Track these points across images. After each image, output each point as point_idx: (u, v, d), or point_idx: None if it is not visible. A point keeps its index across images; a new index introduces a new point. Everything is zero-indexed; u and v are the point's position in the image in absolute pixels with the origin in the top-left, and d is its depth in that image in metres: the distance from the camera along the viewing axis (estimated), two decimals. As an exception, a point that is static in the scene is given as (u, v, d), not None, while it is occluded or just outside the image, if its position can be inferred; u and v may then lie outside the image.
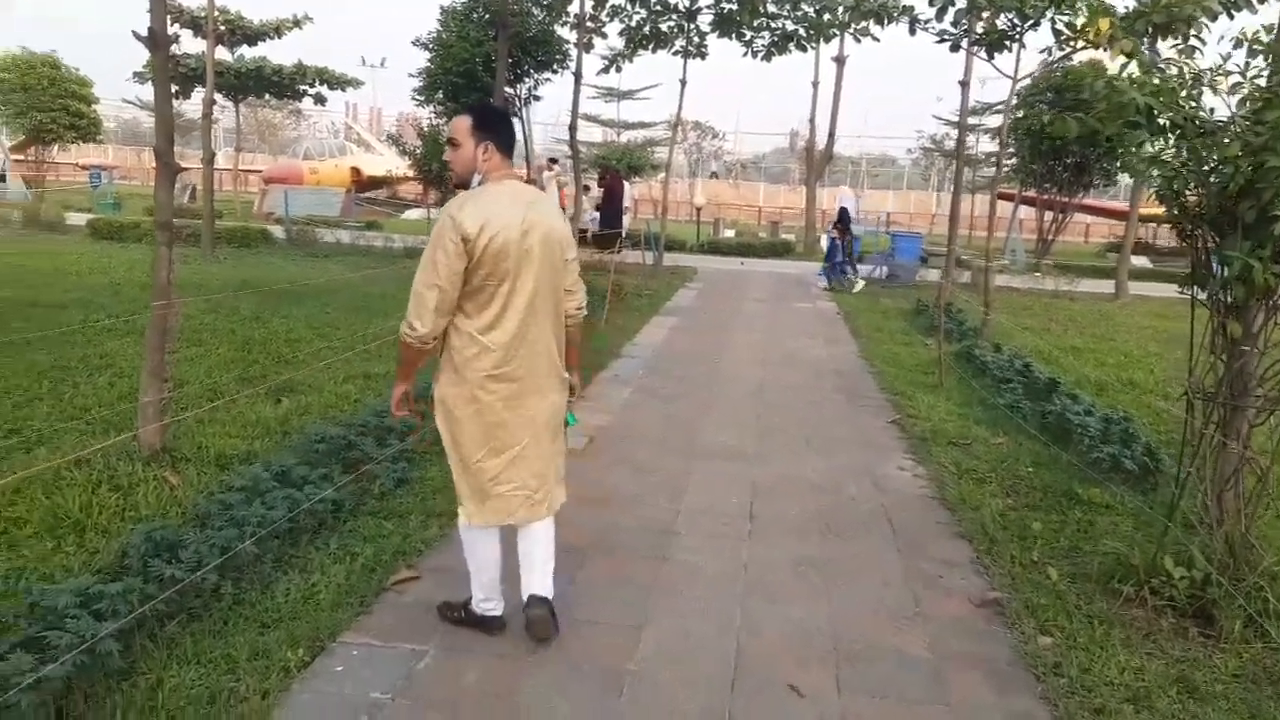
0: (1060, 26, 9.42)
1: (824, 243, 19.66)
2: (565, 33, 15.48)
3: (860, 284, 16.54)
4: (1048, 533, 4.70)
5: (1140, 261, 26.40)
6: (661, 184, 32.37)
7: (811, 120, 23.52)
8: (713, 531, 4.46)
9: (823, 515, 4.76)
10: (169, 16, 5.03)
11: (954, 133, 41.26)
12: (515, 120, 14.98)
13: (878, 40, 16.64)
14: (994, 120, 36.11)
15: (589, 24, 16.38)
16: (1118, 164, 22.29)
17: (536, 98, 15.74)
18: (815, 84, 23.54)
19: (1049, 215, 23.40)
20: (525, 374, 3.10)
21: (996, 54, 10.40)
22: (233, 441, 5.32)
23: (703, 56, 18.52)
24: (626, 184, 21.42)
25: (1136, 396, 8.18)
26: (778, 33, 17.26)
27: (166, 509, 4.34)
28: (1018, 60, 10.05)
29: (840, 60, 22.78)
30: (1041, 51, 10.05)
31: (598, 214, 20.86)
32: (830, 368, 8.99)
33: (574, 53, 15.48)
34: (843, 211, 17.62)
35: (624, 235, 16.67)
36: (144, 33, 4.74)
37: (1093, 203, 27.05)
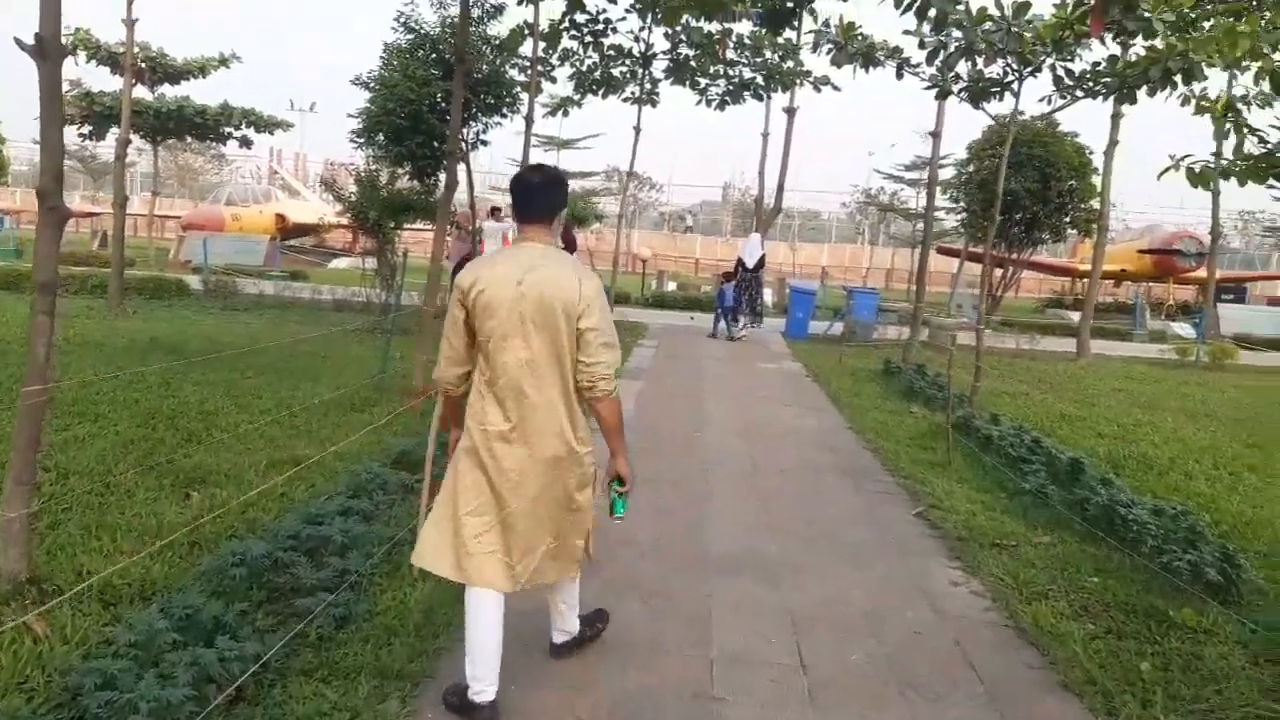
0: (1060, 73, 8.82)
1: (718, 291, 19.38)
2: (515, 74, 14.60)
3: (744, 333, 16.03)
4: (1157, 674, 3.80)
5: (1077, 315, 26.45)
6: (597, 235, 31.60)
7: (760, 172, 22.98)
8: (764, 697, 3.43)
9: (891, 662, 3.78)
10: (80, 49, 3.90)
11: (891, 186, 41.59)
12: (461, 166, 14.01)
13: (838, 89, 16.20)
14: (941, 174, 36.53)
15: (540, 66, 15.58)
16: (1067, 219, 22.24)
17: (484, 142, 14.79)
18: (765, 135, 23.07)
19: (998, 271, 23.15)
20: (521, 439, 3.08)
21: (984, 102, 9.79)
22: (125, 562, 4.14)
23: (654, 104, 17.85)
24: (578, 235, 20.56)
25: (1159, 477, 7.44)
26: (734, 81, 16.70)
27: (26, 673, 3.17)
28: (1016, 107, 9.44)
29: (791, 111, 22.32)
30: (1041, 100, 9.45)
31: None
32: (822, 442, 8.09)
33: (524, 96, 14.60)
34: (740, 260, 16.96)
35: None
36: (30, 41, 3.63)
37: (1039, 259, 27.01)
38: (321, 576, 4.06)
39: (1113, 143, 15.96)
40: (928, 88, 10.09)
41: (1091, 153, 21.47)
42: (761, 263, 17.05)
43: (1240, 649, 4.11)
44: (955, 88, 10.12)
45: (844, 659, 3.77)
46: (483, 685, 3.12)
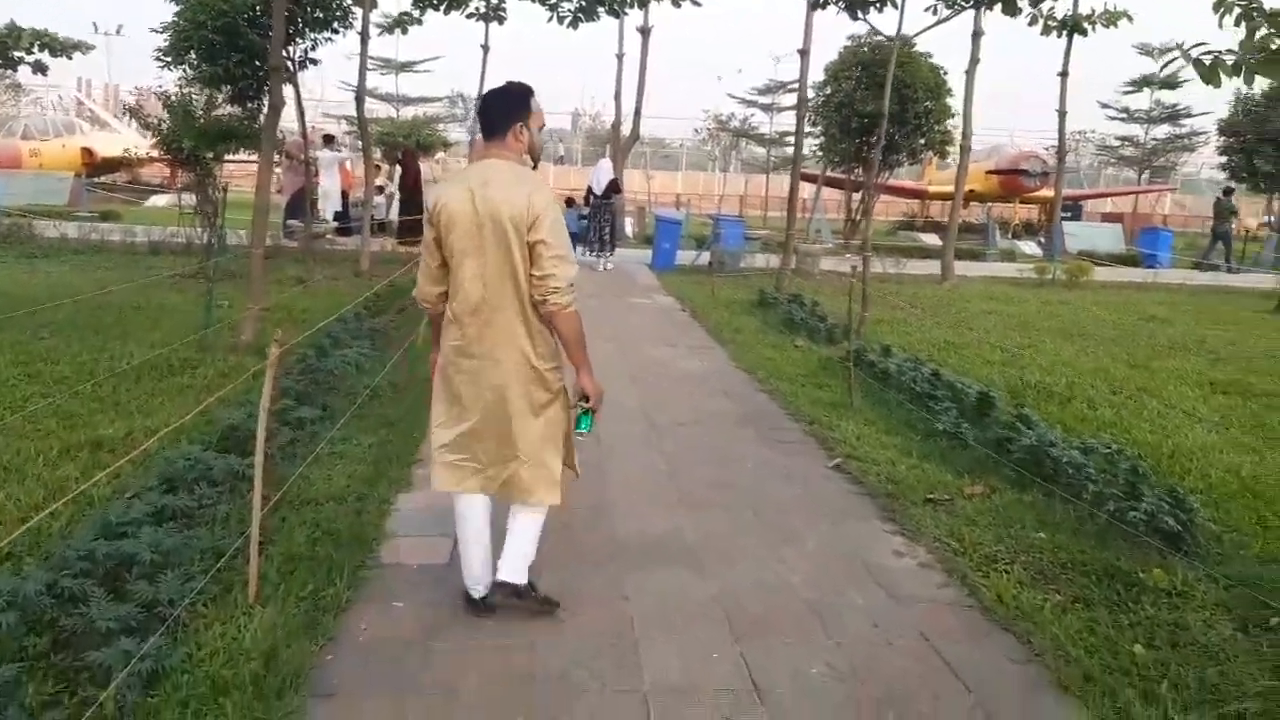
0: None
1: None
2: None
3: (608, 266, 15.48)
4: (1149, 655, 3.29)
5: (932, 239, 26.80)
6: (442, 164, 29.85)
7: (617, 97, 21.86)
8: (721, 746, 2.69)
9: (859, 673, 3.09)
10: None
11: (745, 112, 41.11)
12: (288, 87, 12.45)
13: (699, 4, 15.25)
14: (790, 98, 36.00)
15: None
16: (923, 141, 22.21)
17: (314, 61, 13.16)
18: (620, 56, 21.91)
19: (856, 195, 23.04)
20: (482, 352, 3.16)
21: (863, 13, 9.13)
22: None
23: (500, 20, 16.54)
24: (423, 164, 19.10)
25: (1062, 407, 7.11)
26: (589, -6, 15.55)
27: None
28: (901, 19, 8.80)
29: (645, 31, 21.28)
30: (927, 9, 8.84)
31: (394, 199, 18.51)
32: (714, 386, 7.40)
33: (358, 11, 13.09)
34: (589, 188, 16.13)
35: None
36: None
37: (895, 183, 27.11)
38: (124, 614, 3.06)
39: (974, 61, 15.70)
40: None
41: (946, 73, 21.42)
42: (614, 188, 16.15)
43: (1223, 612, 3.65)
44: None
45: (803, 675, 3.07)
46: (476, 584, 3.38)
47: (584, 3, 15.66)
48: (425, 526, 4.20)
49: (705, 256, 16.65)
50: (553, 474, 3.30)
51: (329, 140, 20.17)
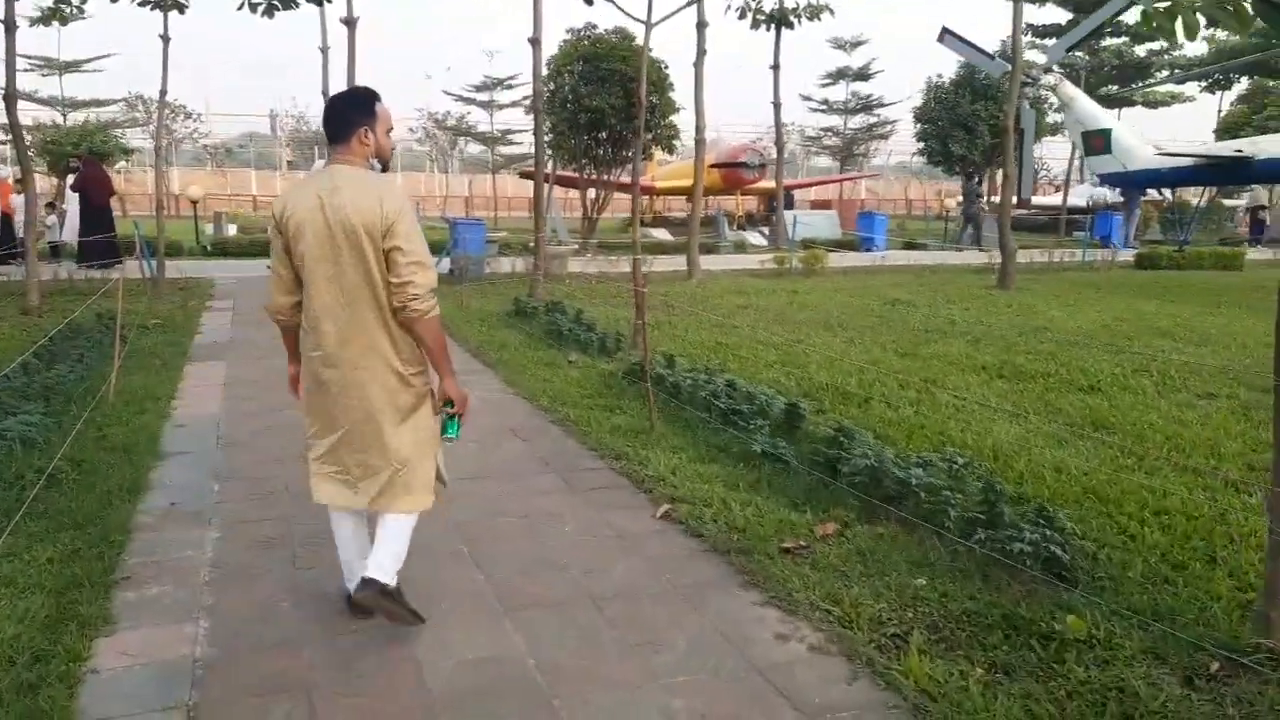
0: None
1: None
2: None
3: None
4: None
5: (662, 234, 26.94)
6: (126, 174, 26.26)
7: (324, 93, 19.90)
8: None
9: None
10: None
11: (461, 110, 39.68)
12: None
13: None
14: (509, 95, 35.05)
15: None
16: (650, 136, 22.05)
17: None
18: (325, 50, 19.98)
19: (591, 193, 22.53)
20: (342, 361, 3.10)
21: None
22: None
23: (181, 8, 14.43)
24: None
25: (862, 409, 6.72)
26: (284, -21, 13.79)
27: None
28: (650, 5, 8.09)
29: (350, 23, 19.53)
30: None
31: (66, 216, 15.79)
32: (496, 421, 6.32)
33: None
34: None
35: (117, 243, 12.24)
36: None
37: (623, 180, 26.86)
38: None
39: (701, 52, 15.51)
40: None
41: (667, 67, 21.37)
42: None
43: (1157, 662, 3.15)
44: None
45: None
46: (351, 583, 3.35)
47: (281, -13, 13.93)
48: (143, 697, 2.90)
49: (445, 264, 15.41)
50: (426, 478, 3.27)
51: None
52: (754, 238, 25.79)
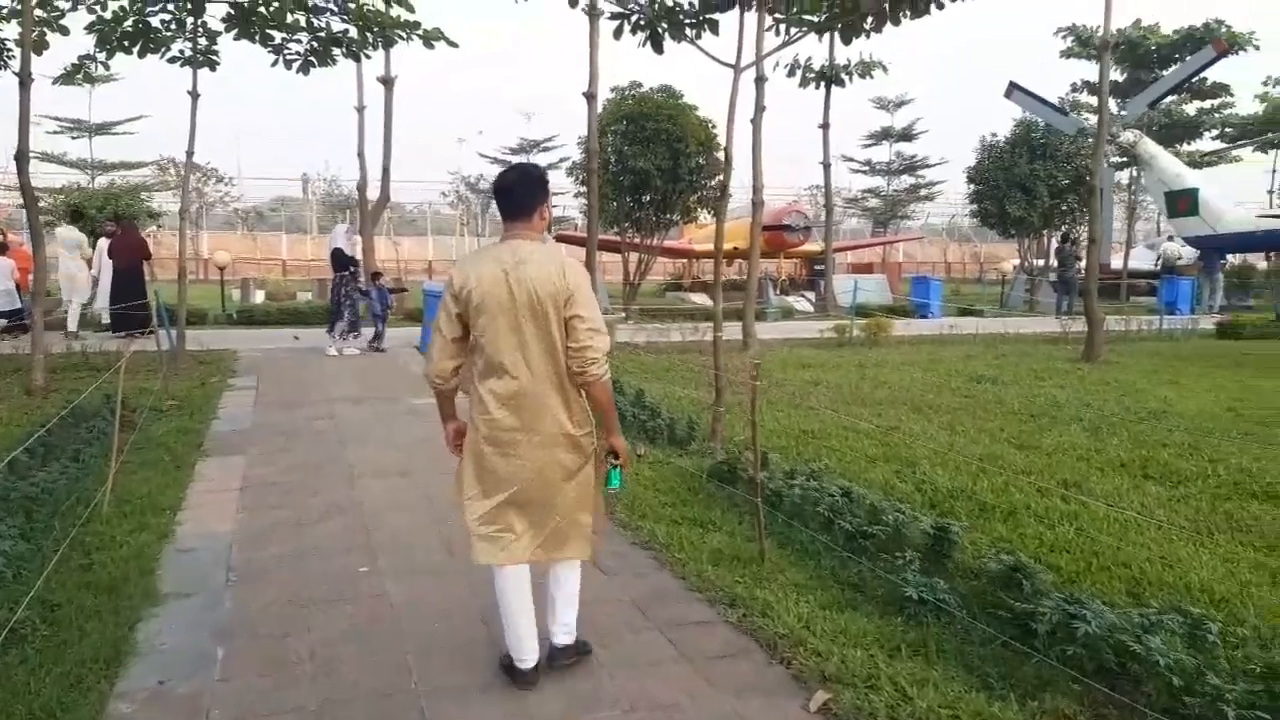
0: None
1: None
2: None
3: (346, 349, 13.25)
4: None
5: (702, 299, 25.91)
6: (154, 237, 25.82)
7: (360, 154, 19.23)
8: None
9: None
10: None
11: (492, 172, 39.23)
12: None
13: (455, 45, 13.18)
14: (544, 157, 34.44)
15: (39, 10, 10.98)
16: (695, 198, 21.16)
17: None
18: (361, 109, 19.31)
19: (635, 258, 21.56)
20: (518, 425, 3.26)
21: (679, 39, 7.37)
22: None
23: (212, 66, 13.67)
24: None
25: (1009, 523, 5.52)
26: (321, 34, 13.04)
27: None
28: (740, 47, 7.09)
29: (388, 81, 18.92)
30: (769, 29, 7.19)
31: (100, 285, 15.06)
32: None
33: (16, 50, 9.97)
34: (336, 253, 13.77)
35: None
36: None
37: (670, 244, 25.92)
38: None
39: (759, 108, 14.59)
40: (611, 17, 7.41)
41: (714, 126, 20.54)
42: (349, 260, 13.66)
43: None
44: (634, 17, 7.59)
45: None
46: (523, 654, 3.40)
47: (316, 45, 13.19)
48: None
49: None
50: (585, 529, 3.43)
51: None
52: (800, 303, 24.72)
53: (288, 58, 13.15)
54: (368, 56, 14.29)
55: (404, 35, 13.08)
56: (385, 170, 19.10)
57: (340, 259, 13.50)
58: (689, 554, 4.92)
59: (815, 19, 7.29)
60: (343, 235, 13.98)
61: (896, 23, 6.46)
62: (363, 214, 19.46)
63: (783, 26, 7.20)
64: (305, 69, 13.42)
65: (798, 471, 6.06)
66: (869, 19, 7.01)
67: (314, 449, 7.42)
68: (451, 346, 3.29)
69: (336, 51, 13.43)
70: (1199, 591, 4.42)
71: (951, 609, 4.04)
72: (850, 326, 16.20)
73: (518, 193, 3.30)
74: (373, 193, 19.91)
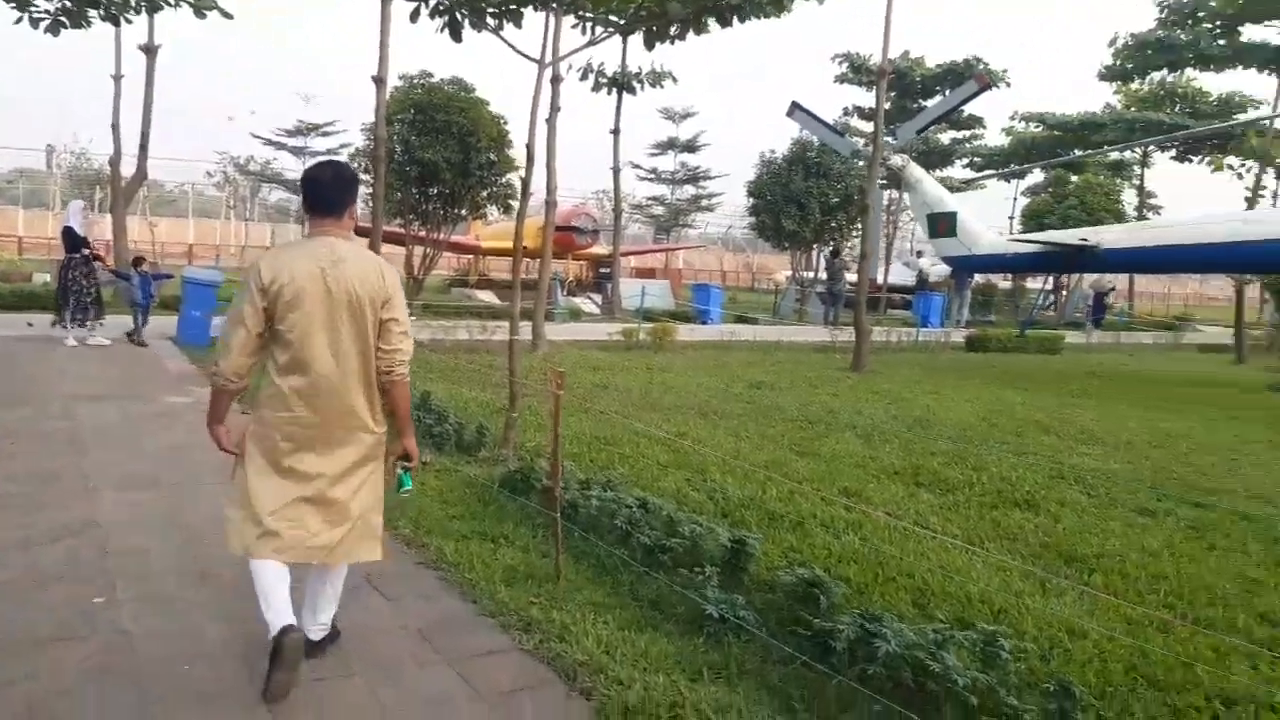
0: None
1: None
2: None
3: (102, 341, 11.99)
4: None
5: (488, 296, 25.43)
6: None
7: (115, 126, 17.41)
8: None
9: None
10: None
11: (268, 154, 36.87)
12: None
13: (229, 17, 12.14)
14: (323, 142, 32.67)
15: None
16: (485, 194, 20.70)
17: None
18: (118, 78, 17.47)
19: (420, 252, 20.80)
20: (319, 423, 3.24)
21: (483, 28, 7.04)
22: None
23: (-65, 14, 11.86)
24: None
25: (798, 533, 5.60)
26: (74, -7, 11.62)
27: None
28: (545, 43, 6.83)
29: (151, 50, 17.25)
30: (574, 27, 6.95)
31: None
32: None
33: None
34: (67, 232, 12.33)
35: None
36: None
37: (457, 240, 25.18)
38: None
39: (555, 109, 14.45)
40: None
41: (507, 123, 20.19)
42: (81, 240, 12.15)
43: None
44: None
45: None
46: (285, 617, 3.19)
47: (68, 3, 11.75)
48: None
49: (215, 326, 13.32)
50: (376, 531, 3.43)
51: None
52: (587, 305, 24.77)
53: (34, 15, 11.62)
54: (128, 21, 12.92)
55: (171, 1, 11.91)
56: (143, 145, 17.40)
57: (72, 239, 11.99)
58: (480, 573, 4.62)
59: (619, 20, 7.18)
60: (77, 213, 12.47)
61: (699, 32, 6.44)
62: (115, 191, 17.67)
63: (588, 26, 7.01)
64: (55, 29, 11.89)
65: (593, 481, 5.89)
66: (674, 25, 7.00)
67: (44, 455, 6.49)
68: (254, 342, 3.20)
69: (92, 13, 12.03)
70: (979, 603, 4.60)
71: (751, 628, 3.98)
72: (638, 331, 16.32)
73: (333, 190, 3.30)
74: (128, 169, 18.12)
